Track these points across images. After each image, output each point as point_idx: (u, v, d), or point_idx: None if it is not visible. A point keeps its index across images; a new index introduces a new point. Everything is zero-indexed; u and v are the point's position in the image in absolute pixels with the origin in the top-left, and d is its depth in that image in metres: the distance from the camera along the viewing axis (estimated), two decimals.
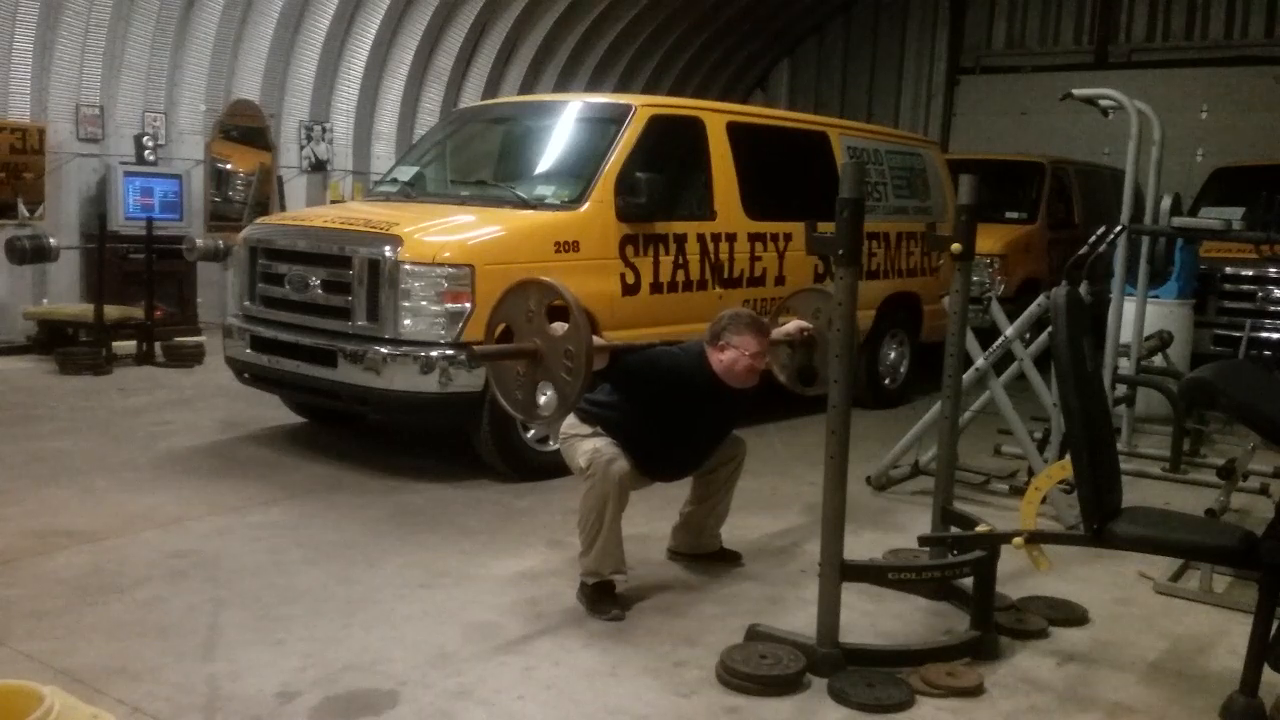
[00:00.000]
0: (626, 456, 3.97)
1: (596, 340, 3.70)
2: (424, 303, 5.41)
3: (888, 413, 7.86)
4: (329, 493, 5.36)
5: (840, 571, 3.48)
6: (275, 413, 6.82)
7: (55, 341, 8.71)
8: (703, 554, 4.51)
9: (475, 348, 3.78)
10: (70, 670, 3.30)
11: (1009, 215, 10.32)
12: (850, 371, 3.45)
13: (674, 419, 4.05)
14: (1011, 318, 5.63)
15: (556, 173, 6.44)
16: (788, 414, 7.38)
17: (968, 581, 3.79)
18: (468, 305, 5.43)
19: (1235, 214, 7.35)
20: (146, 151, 9.76)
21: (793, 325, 4.60)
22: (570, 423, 4.13)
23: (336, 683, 3.32)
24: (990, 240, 9.21)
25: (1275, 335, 8.60)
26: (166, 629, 3.66)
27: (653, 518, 4.83)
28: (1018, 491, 5.41)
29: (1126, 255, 6.45)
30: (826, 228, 3.57)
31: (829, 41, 16.97)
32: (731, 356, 4.01)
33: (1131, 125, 6.35)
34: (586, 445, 4.01)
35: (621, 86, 13.91)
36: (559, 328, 3.60)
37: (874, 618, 3.99)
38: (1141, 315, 6.80)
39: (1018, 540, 3.60)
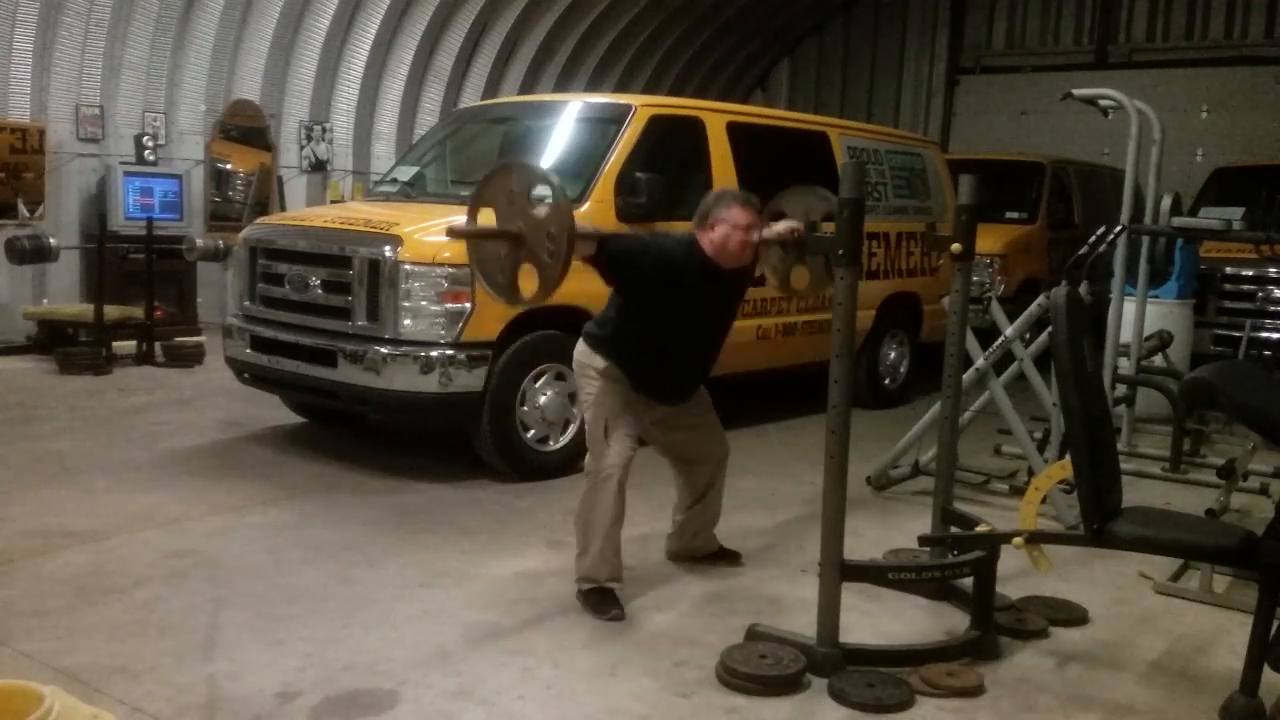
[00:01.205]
0: (639, 395, 3.96)
1: (583, 227, 3.62)
2: (424, 303, 5.41)
3: (888, 413, 7.86)
4: (329, 493, 5.37)
5: (840, 571, 3.48)
6: (275, 413, 6.82)
7: (55, 341, 8.71)
8: (701, 555, 4.51)
9: (453, 226, 3.71)
10: (70, 670, 3.30)
11: (1009, 215, 10.32)
12: (849, 370, 3.44)
13: (674, 313, 3.95)
14: (1011, 318, 5.63)
15: (556, 173, 6.41)
16: (787, 414, 7.39)
17: (968, 581, 3.79)
18: (468, 305, 5.43)
19: (1235, 214, 7.35)
20: (146, 151, 9.76)
21: (783, 225, 4.33)
22: (581, 351, 4.08)
23: (336, 683, 3.32)
24: (990, 240, 9.21)
25: (1275, 335, 8.60)
26: (166, 629, 3.66)
27: (653, 517, 4.84)
28: (1018, 491, 5.41)
29: (1126, 255, 6.45)
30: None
31: (829, 41, 16.97)
32: (722, 232, 3.90)
33: (1131, 125, 6.35)
34: (597, 427, 3.97)
35: (621, 86, 13.91)
36: (543, 211, 3.53)
37: (874, 618, 3.99)
38: (1141, 315, 6.80)
39: (1018, 540, 3.60)
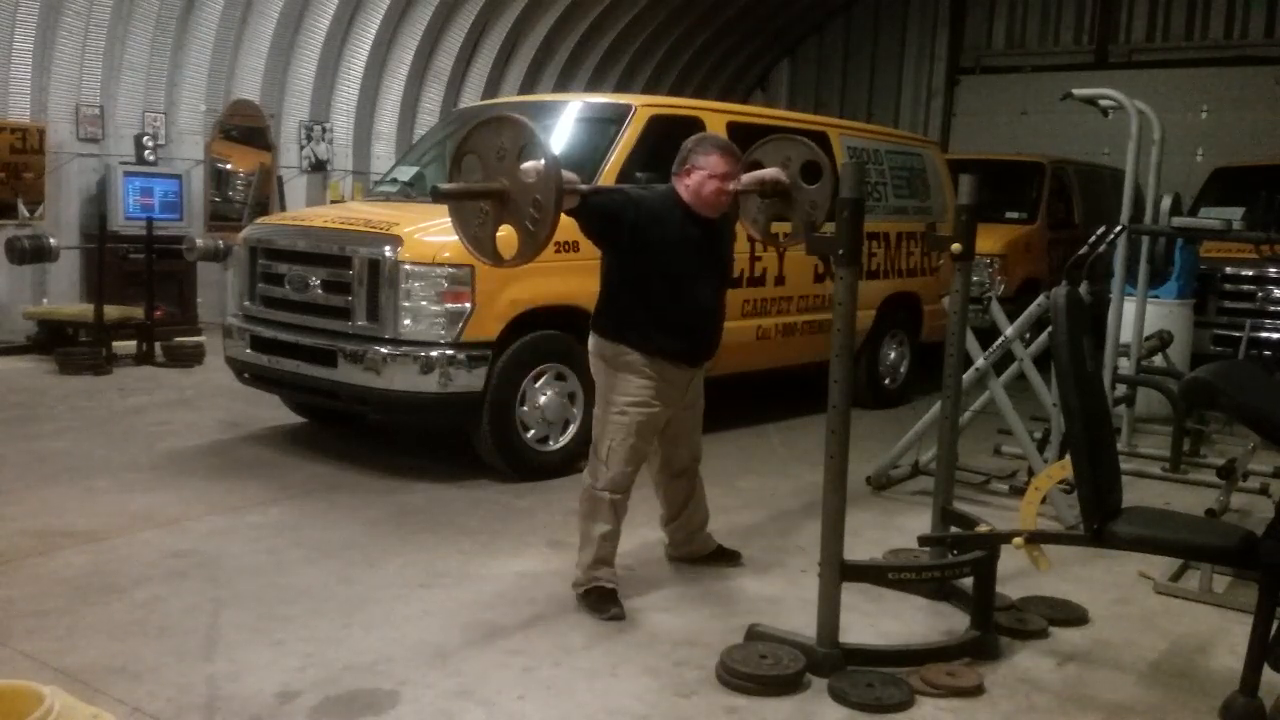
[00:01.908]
0: (668, 366, 3.91)
1: (568, 178, 3.51)
2: (424, 303, 5.41)
3: (888, 413, 7.86)
4: (329, 493, 5.36)
5: (840, 571, 3.48)
6: (275, 413, 6.82)
7: (55, 341, 8.71)
8: (700, 557, 4.50)
9: (439, 185, 3.56)
10: (70, 670, 3.30)
11: (1009, 215, 10.32)
12: (849, 370, 3.44)
13: (664, 265, 3.86)
14: (1011, 318, 5.63)
15: None
16: (787, 414, 7.39)
17: (968, 581, 3.79)
18: (468, 305, 5.44)
19: (1235, 214, 7.35)
20: (146, 151, 9.76)
21: (768, 172, 4.27)
22: (597, 344, 4.00)
23: (336, 683, 3.31)
24: (990, 240, 9.20)
25: (1275, 335, 8.60)
26: (166, 629, 3.66)
27: (652, 517, 4.83)
28: (1018, 491, 5.41)
29: (1126, 255, 6.45)
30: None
31: (829, 41, 16.97)
32: (698, 179, 3.86)
33: (1131, 125, 6.35)
34: (601, 444, 3.94)
35: (621, 86, 13.91)
36: (530, 170, 3.41)
37: (874, 618, 3.99)
38: (1141, 315, 6.80)
39: (1018, 540, 3.60)
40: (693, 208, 3.91)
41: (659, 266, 3.87)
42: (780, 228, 4.55)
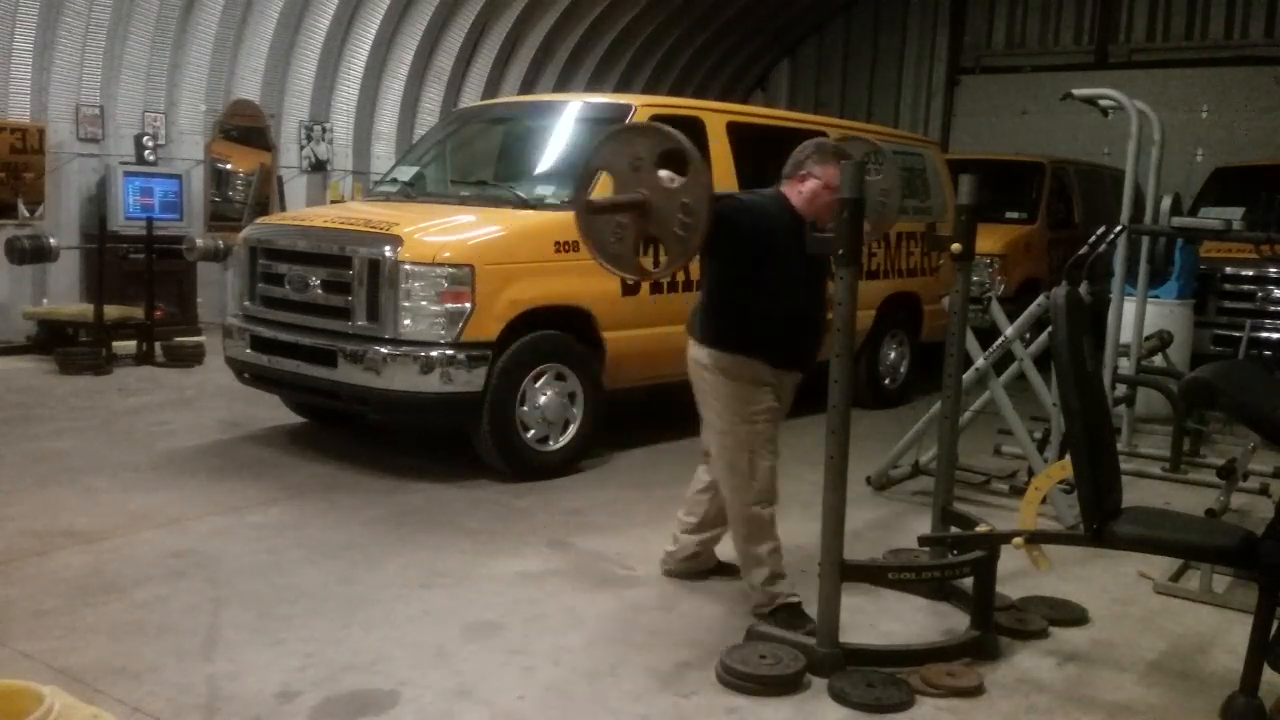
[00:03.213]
0: (775, 372, 3.81)
1: None
2: (424, 303, 5.41)
3: (888, 413, 7.86)
4: (329, 493, 5.36)
5: (840, 571, 3.48)
6: (275, 413, 6.82)
7: (55, 341, 8.70)
8: (698, 573, 4.39)
9: (591, 200, 3.42)
10: (70, 670, 3.30)
11: (1009, 215, 10.32)
12: (849, 370, 3.44)
13: (773, 270, 3.76)
14: (1011, 318, 5.63)
15: (556, 173, 6.44)
16: (788, 414, 7.38)
17: (968, 581, 3.79)
18: (468, 305, 5.44)
19: (1235, 214, 7.35)
20: (146, 151, 9.75)
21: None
22: (703, 354, 3.88)
23: (336, 683, 3.32)
24: (990, 240, 9.21)
25: (1275, 335, 8.60)
26: (166, 629, 3.66)
27: (653, 516, 4.84)
28: (1018, 491, 5.41)
29: (1126, 255, 6.45)
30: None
31: (829, 41, 16.96)
32: (813, 188, 3.78)
33: (1131, 125, 6.36)
34: (739, 457, 3.82)
35: (621, 86, 13.91)
36: (668, 177, 3.33)
37: (874, 618, 3.99)
38: (1141, 315, 6.80)
39: (1018, 540, 3.61)
40: (801, 214, 3.83)
41: (776, 274, 3.78)
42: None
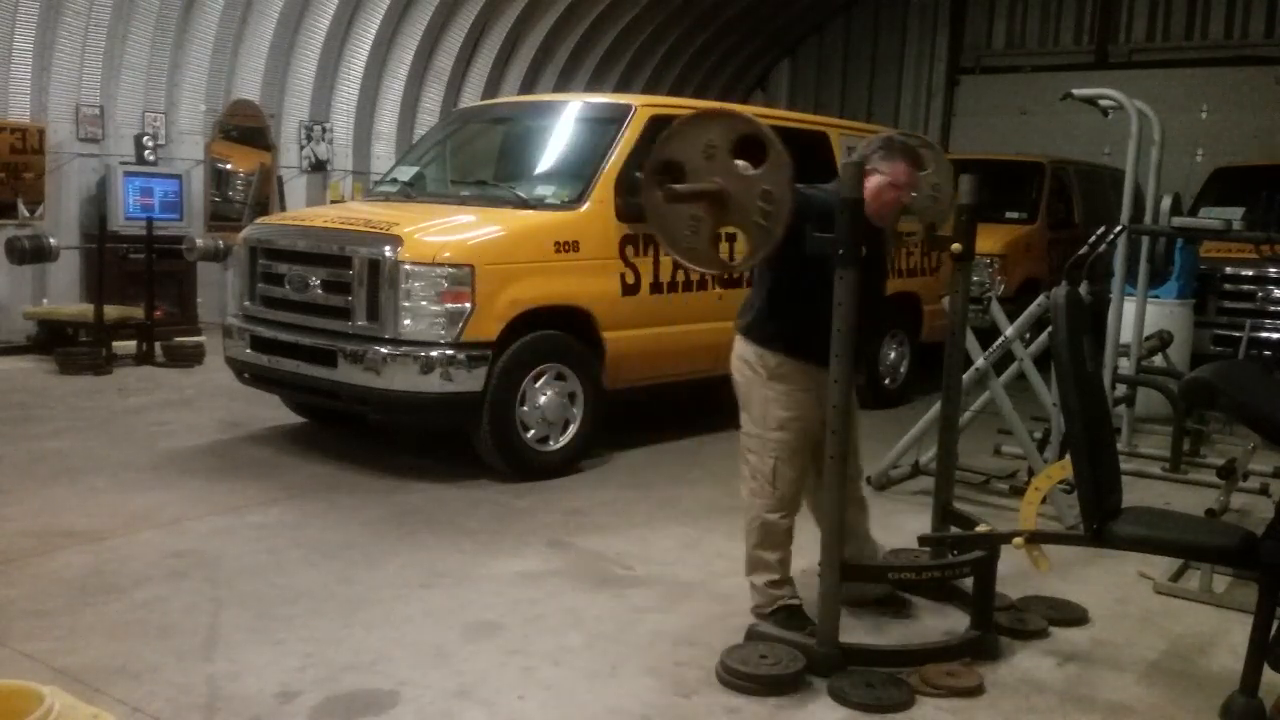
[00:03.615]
0: (821, 372, 3.53)
1: None
2: (424, 303, 5.41)
3: (888, 413, 7.85)
4: (329, 493, 5.36)
5: (840, 571, 3.48)
6: (275, 413, 6.82)
7: (55, 341, 8.70)
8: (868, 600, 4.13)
9: (672, 188, 3.26)
10: (70, 670, 3.30)
11: (1009, 215, 10.31)
12: (849, 370, 3.44)
13: (828, 270, 3.49)
14: (1011, 318, 5.63)
15: (556, 173, 6.45)
16: None
17: (968, 581, 3.79)
18: (468, 305, 5.44)
19: (1235, 214, 7.35)
20: (146, 151, 9.75)
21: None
22: (749, 352, 3.76)
23: (336, 683, 3.32)
24: (990, 240, 9.20)
25: (1275, 335, 8.60)
26: (166, 629, 3.66)
27: (653, 515, 4.84)
28: (1018, 491, 5.41)
29: (1126, 255, 6.45)
30: None
31: (829, 41, 16.97)
32: (878, 184, 3.61)
33: (1131, 125, 6.35)
34: (764, 463, 3.74)
35: (621, 86, 13.91)
36: (744, 166, 3.20)
37: (874, 618, 3.99)
38: (1141, 315, 6.80)
39: (1018, 540, 3.60)
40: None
41: (825, 270, 3.52)
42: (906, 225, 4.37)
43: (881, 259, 3.93)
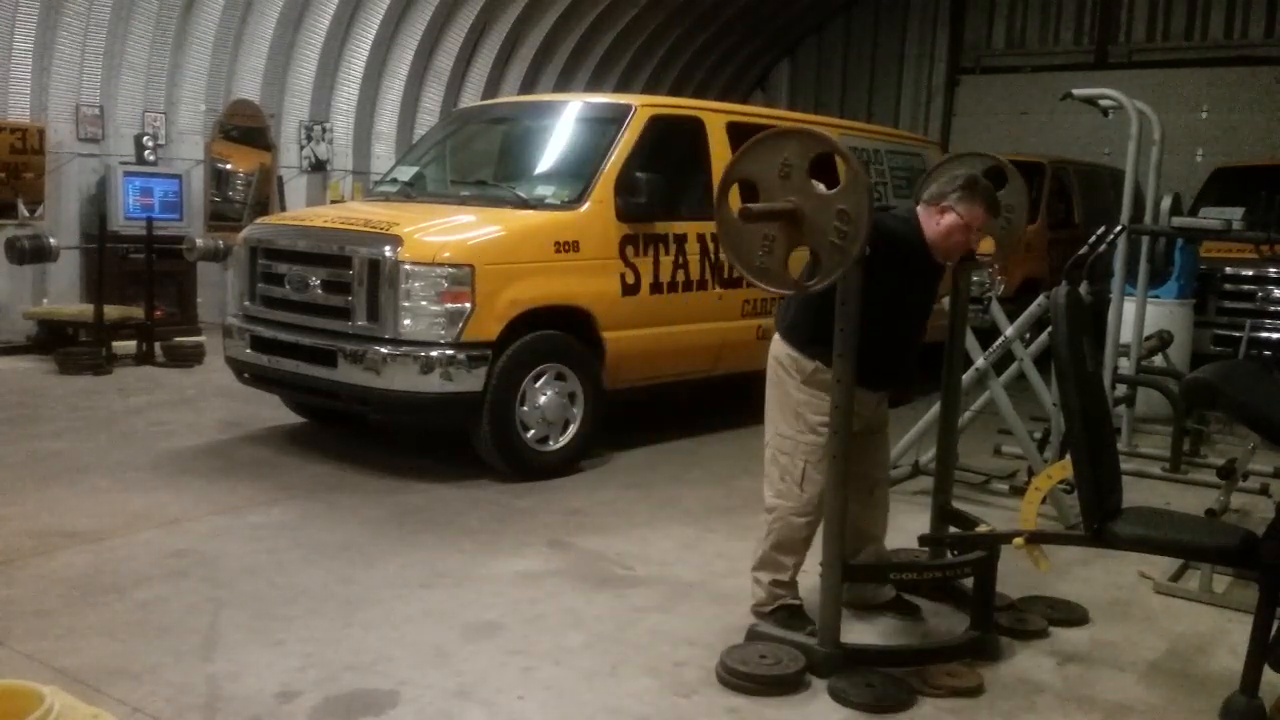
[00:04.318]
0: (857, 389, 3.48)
1: None
2: (424, 303, 5.41)
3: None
4: (329, 493, 5.36)
5: (840, 571, 3.47)
6: (275, 413, 6.82)
7: (55, 341, 8.71)
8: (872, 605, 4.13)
9: (748, 207, 3.20)
10: (70, 670, 3.30)
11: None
12: (849, 370, 3.44)
13: (891, 292, 3.58)
14: (1011, 318, 5.64)
15: (556, 173, 6.45)
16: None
17: (968, 581, 3.79)
18: (468, 305, 5.44)
19: (1235, 214, 7.35)
20: (146, 151, 9.75)
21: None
22: (787, 355, 3.73)
23: (336, 683, 3.31)
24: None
25: (1275, 335, 8.60)
26: (166, 629, 3.66)
27: (653, 515, 4.84)
28: (1018, 491, 5.41)
29: (1126, 255, 6.45)
30: None
31: (829, 41, 16.97)
32: (951, 223, 3.59)
33: (1131, 125, 6.36)
34: (794, 465, 3.70)
35: (621, 86, 13.91)
36: (820, 185, 3.17)
37: (874, 618, 3.99)
38: (1141, 315, 6.80)
39: (1018, 540, 3.60)
40: (929, 244, 3.68)
41: (889, 296, 3.57)
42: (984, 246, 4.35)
43: (933, 287, 3.95)
